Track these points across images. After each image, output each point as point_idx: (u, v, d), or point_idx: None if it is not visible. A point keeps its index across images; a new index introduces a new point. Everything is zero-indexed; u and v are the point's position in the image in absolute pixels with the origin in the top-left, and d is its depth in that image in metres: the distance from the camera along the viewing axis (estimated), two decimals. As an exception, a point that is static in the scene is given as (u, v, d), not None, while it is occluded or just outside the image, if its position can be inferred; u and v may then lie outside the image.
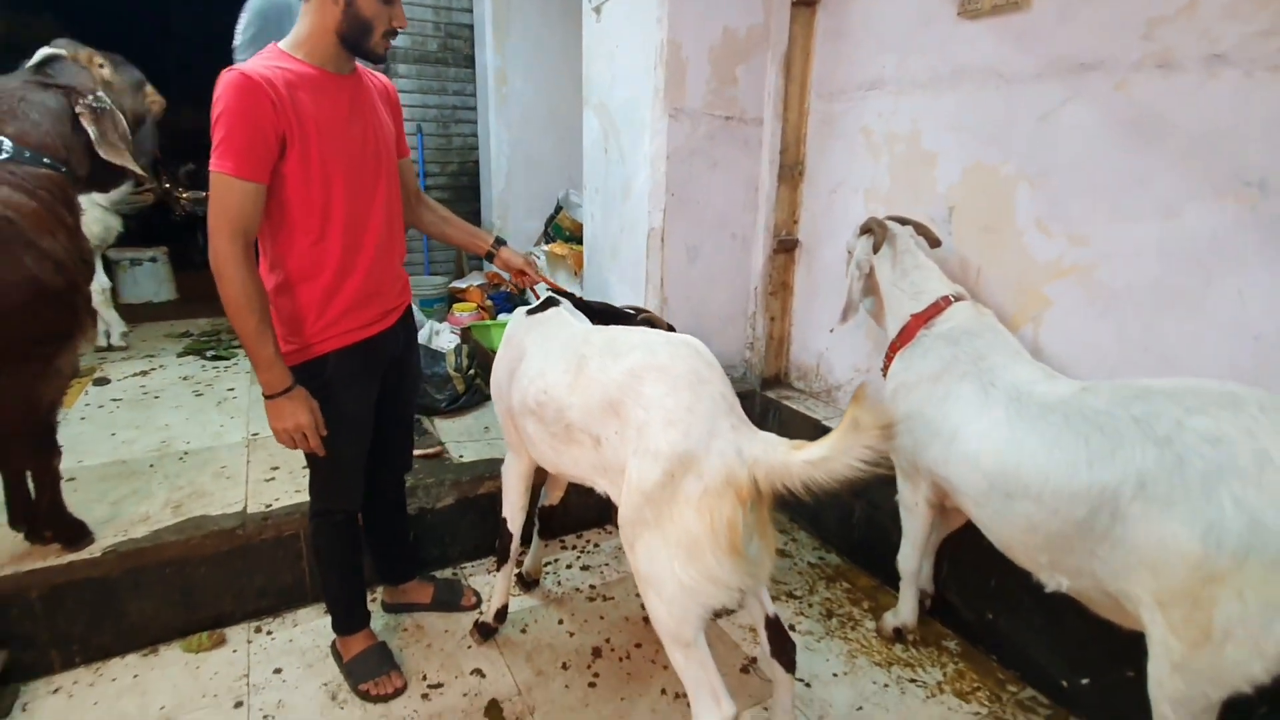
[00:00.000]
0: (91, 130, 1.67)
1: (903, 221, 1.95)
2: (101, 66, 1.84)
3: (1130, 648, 1.25)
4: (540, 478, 1.99)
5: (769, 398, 2.69)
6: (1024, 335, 1.83)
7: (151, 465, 2.24)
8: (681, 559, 1.18)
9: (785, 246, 2.64)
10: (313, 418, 1.43)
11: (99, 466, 2.23)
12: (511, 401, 1.60)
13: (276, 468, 2.24)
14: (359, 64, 1.49)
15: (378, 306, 1.57)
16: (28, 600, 1.69)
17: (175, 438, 2.47)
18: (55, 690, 1.70)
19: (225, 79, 1.28)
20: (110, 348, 3.39)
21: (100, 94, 1.72)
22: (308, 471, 1.65)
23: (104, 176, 1.75)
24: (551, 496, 2.06)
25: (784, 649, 1.46)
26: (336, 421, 1.52)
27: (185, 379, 3.10)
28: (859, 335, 2.42)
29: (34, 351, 1.60)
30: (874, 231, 1.90)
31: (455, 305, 3.58)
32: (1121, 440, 1.25)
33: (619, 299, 2.67)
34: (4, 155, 1.54)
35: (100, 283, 3.38)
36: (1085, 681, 1.69)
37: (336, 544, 1.69)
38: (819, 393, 2.64)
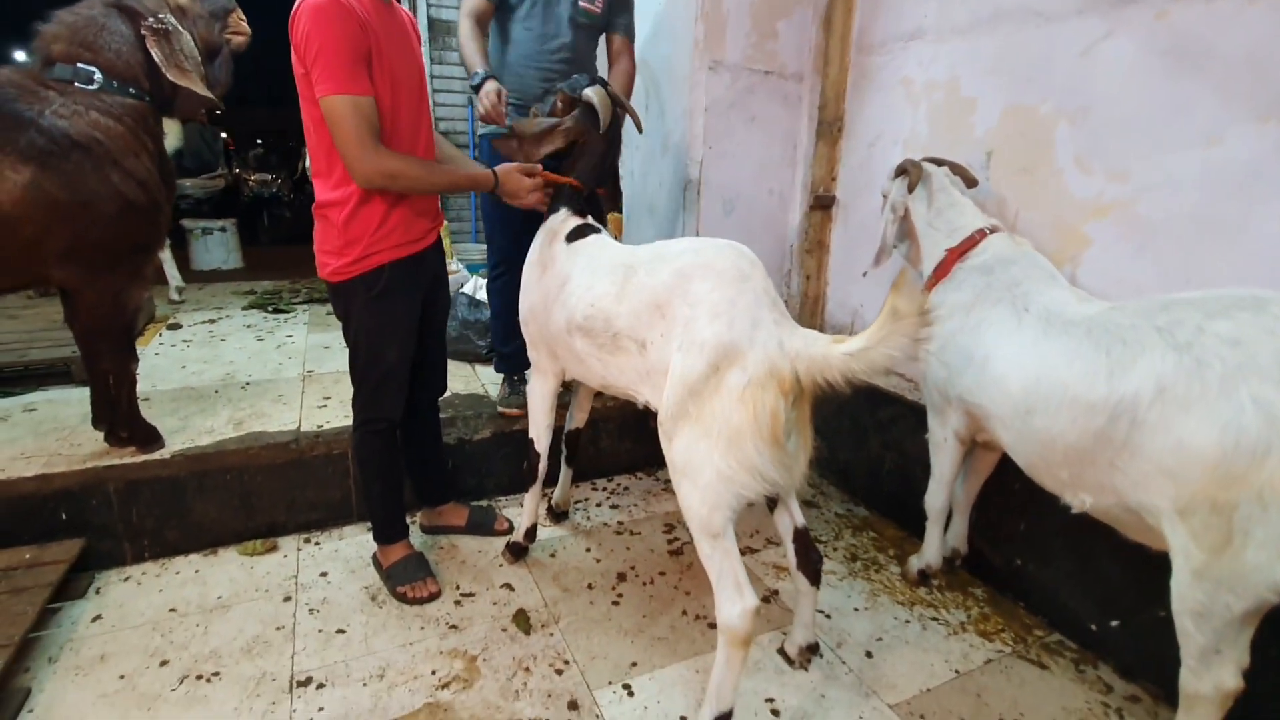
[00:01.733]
0: (155, 53, 1.75)
1: (938, 163, 1.96)
2: None
3: (1162, 588, 1.24)
4: (564, 405, 2.08)
5: (803, 354, 2.70)
6: (1064, 275, 1.81)
7: (217, 391, 2.41)
8: (722, 448, 1.22)
9: (822, 203, 2.65)
10: (522, 169, 1.69)
11: (170, 391, 2.41)
12: (553, 323, 1.66)
13: (329, 398, 2.38)
14: None
15: (425, 223, 1.68)
16: (105, 493, 1.85)
17: (238, 371, 2.64)
18: (126, 579, 1.86)
19: (311, 5, 1.38)
20: (171, 301, 3.64)
21: (163, 15, 1.78)
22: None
23: (188, 102, 1.89)
24: (577, 419, 2.13)
25: (809, 560, 1.49)
26: (391, 327, 1.66)
27: (249, 326, 3.31)
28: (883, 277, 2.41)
29: (124, 258, 1.77)
30: (908, 172, 1.91)
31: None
32: (1143, 349, 1.25)
33: (656, 253, 2.74)
34: (95, 86, 1.71)
35: None
36: (1115, 624, 1.67)
37: (379, 452, 1.79)
38: (853, 349, 2.64)
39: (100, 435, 1.95)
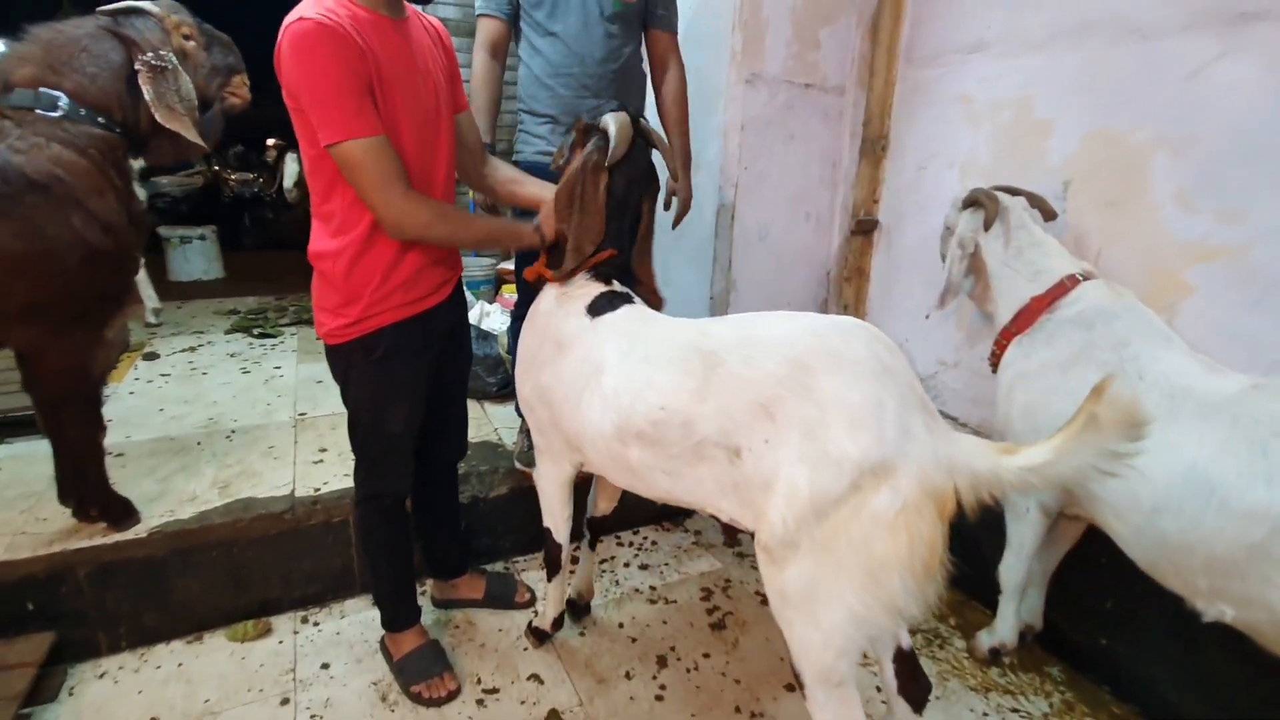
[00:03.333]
0: (147, 90, 1.54)
1: (1013, 192, 1.75)
2: (188, 38, 1.64)
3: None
4: (584, 480, 1.75)
5: (841, 390, 2.50)
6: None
7: (199, 443, 2.16)
8: (859, 582, 1.00)
9: (864, 228, 2.44)
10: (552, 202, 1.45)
11: (148, 442, 2.16)
12: (587, 424, 1.31)
13: (324, 450, 2.14)
14: (408, 3, 1.35)
15: (436, 276, 1.44)
16: (76, 579, 1.62)
17: (223, 415, 2.40)
18: (101, 675, 1.62)
19: (302, 30, 1.13)
20: (147, 325, 3.37)
21: (165, 53, 1.57)
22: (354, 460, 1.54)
23: (168, 146, 1.65)
24: (601, 506, 1.79)
25: (915, 686, 1.28)
26: (394, 394, 1.44)
27: (233, 356, 3.05)
28: (947, 324, 2.21)
29: (89, 315, 1.52)
30: (983, 206, 1.70)
31: (504, 286, 3.46)
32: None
33: (682, 281, 2.51)
34: (59, 113, 1.45)
35: None
36: (1224, 724, 1.48)
37: (385, 531, 1.57)
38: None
39: (68, 511, 1.71)
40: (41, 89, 1.45)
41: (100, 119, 1.50)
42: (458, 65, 1.49)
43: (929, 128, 2.23)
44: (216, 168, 8.54)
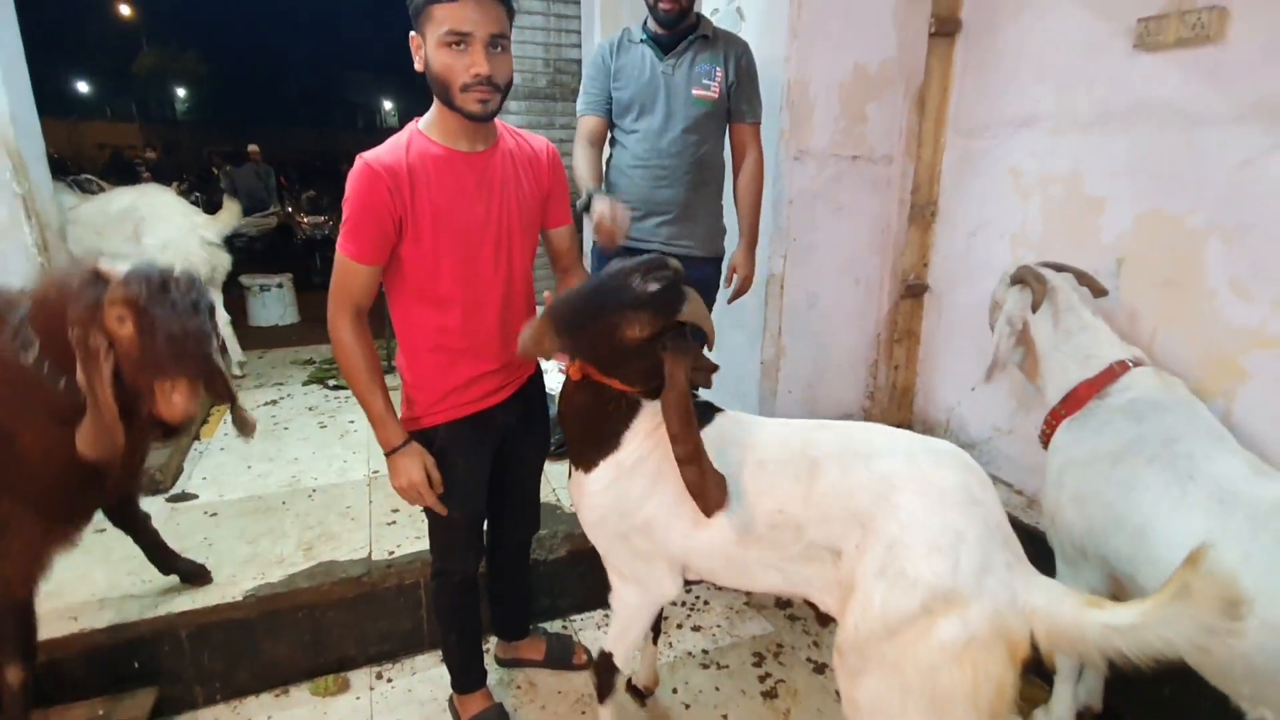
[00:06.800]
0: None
1: (1059, 268, 1.76)
2: (122, 321, 1.21)
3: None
4: None
5: (892, 451, 2.52)
6: (1212, 411, 1.60)
7: (284, 503, 2.34)
8: (923, 710, 1.02)
9: (913, 291, 2.47)
10: (425, 475, 1.43)
11: (237, 501, 2.35)
12: (704, 538, 1.29)
13: (397, 510, 2.29)
14: (505, 132, 1.46)
15: (490, 384, 1.52)
16: (178, 639, 1.78)
17: (304, 473, 2.58)
18: (198, 726, 1.78)
19: (355, 166, 1.31)
20: (233, 377, 3.62)
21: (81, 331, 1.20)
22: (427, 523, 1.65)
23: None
24: (643, 680, 1.85)
25: None
26: (450, 487, 1.51)
27: (310, 409, 3.26)
28: (1000, 390, 2.22)
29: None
30: (1030, 286, 1.72)
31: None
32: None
33: (734, 346, 2.58)
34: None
35: (220, 316, 3.62)
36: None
37: (455, 605, 1.68)
38: (949, 449, 2.44)
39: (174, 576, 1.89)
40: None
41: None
42: (560, 186, 1.55)
43: (979, 197, 2.26)
44: (290, 210, 9.08)
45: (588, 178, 1.97)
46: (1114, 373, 1.59)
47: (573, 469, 1.43)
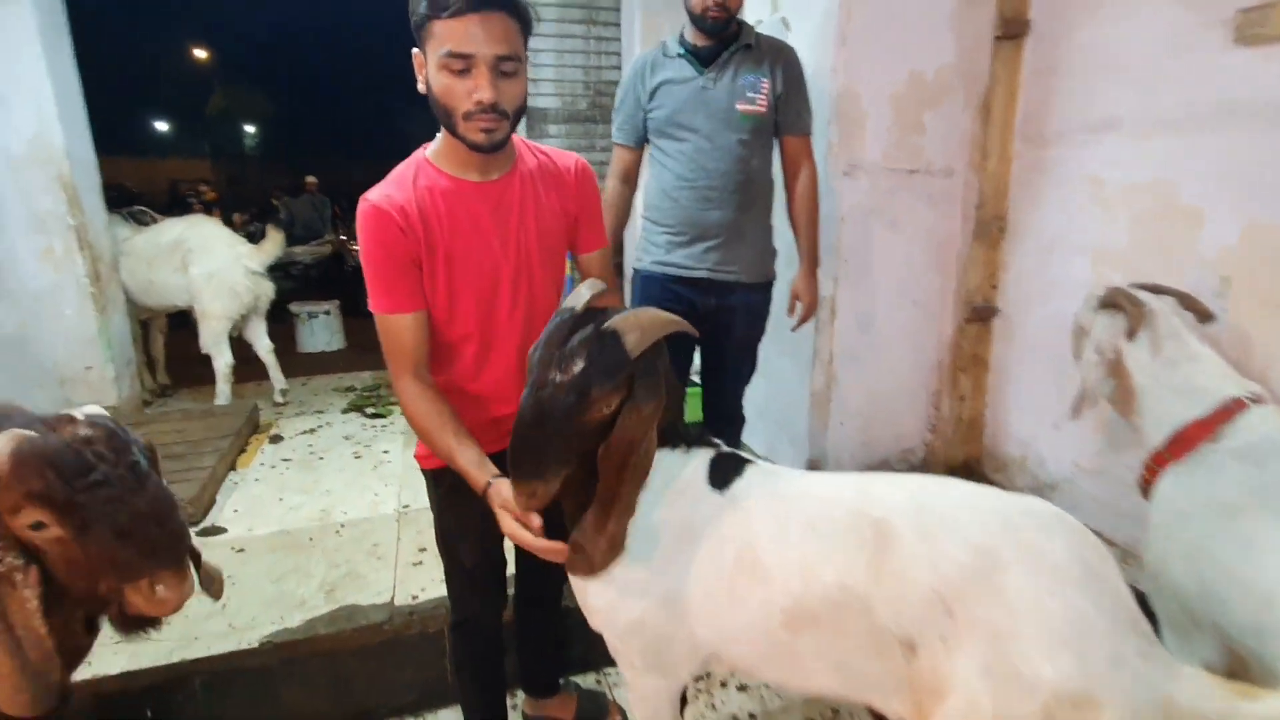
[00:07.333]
0: None
1: (1156, 290, 1.54)
2: (43, 527, 0.88)
3: None
4: None
5: (958, 490, 2.30)
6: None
7: (311, 538, 2.27)
8: None
9: (980, 315, 2.26)
10: (510, 524, 1.13)
11: (267, 537, 2.29)
12: (741, 620, 1.07)
13: (424, 549, 2.18)
14: (526, 151, 1.33)
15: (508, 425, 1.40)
16: (192, 687, 1.70)
17: (335, 506, 2.51)
18: (212, 780, 1.69)
19: (360, 212, 1.19)
20: (275, 404, 3.67)
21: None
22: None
23: None
24: None
25: None
26: (463, 529, 1.41)
27: (347, 438, 3.22)
28: (1085, 424, 1.98)
29: None
30: (1125, 311, 1.51)
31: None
32: None
33: (781, 374, 2.41)
34: None
35: (263, 344, 3.67)
36: None
37: (476, 660, 1.55)
38: (1025, 490, 2.20)
39: (189, 610, 1.81)
40: None
41: None
42: (590, 206, 1.40)
43: (1054, 210, 2.06)
44: (343, 237, 9.35)
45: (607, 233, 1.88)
46: (1229, 411, 1.36)
47: (574, 544, 1.14)
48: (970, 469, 2.38)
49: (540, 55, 3.89)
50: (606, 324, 0.98)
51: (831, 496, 1.05)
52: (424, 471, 1.41)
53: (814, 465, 2.34)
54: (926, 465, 2.41)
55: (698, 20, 1.82)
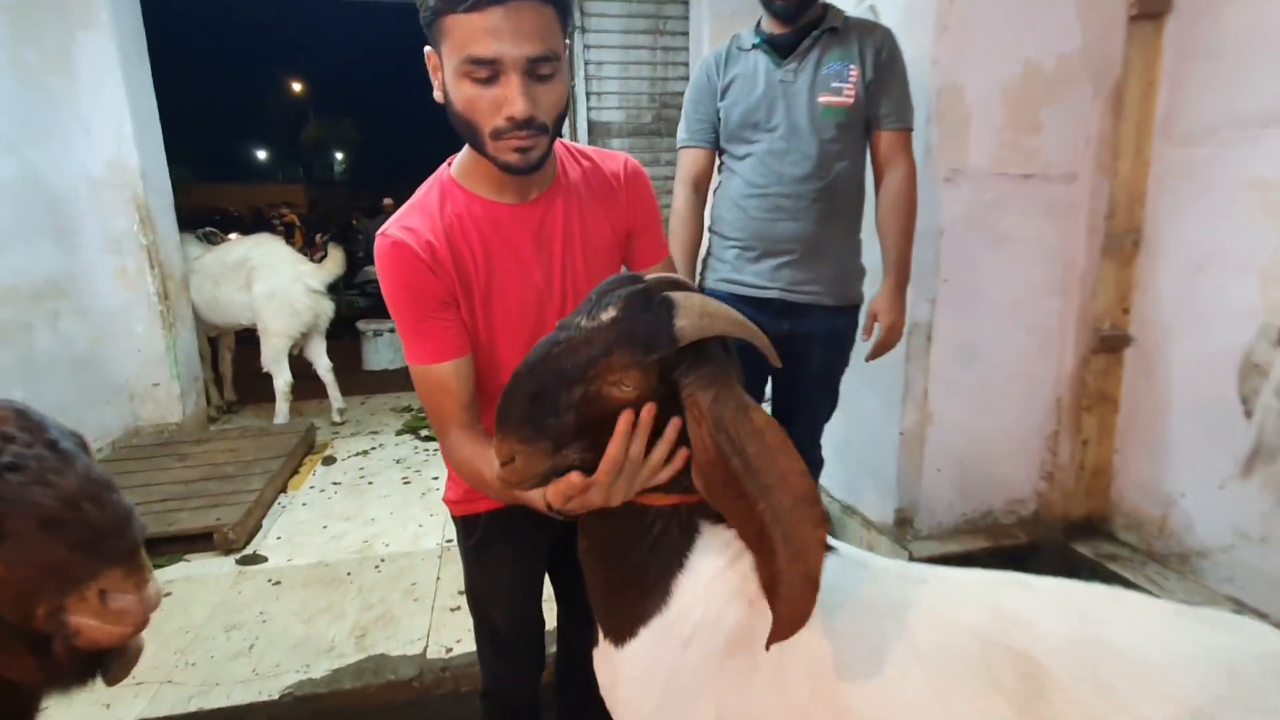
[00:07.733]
0: None
1: None
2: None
3: None
4: None
5: (1079, 553, 1.93)
6: None
7: (349, 573, 2.14)
8: None
9: (1109, 344, 1.91)
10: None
11: (305, 568, 2.18)
12: None
13: (464, 593, 2.00)
14: (568, 158, 1.12)
15: None
16: (208, 740, 1.57)
17: (377, 537, 2.39)
18: (225, 844, 1.54)
19: (379, 249, 1.00)
20: (332, 424, 3.64)
21: None
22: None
23: None
24: None
25: None
26: (493, 587, 1.24)
27: (398, 461, 3.12)
28: (1250, 482, 1.61)
29: None
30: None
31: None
32: None
33: (865, 411, 2.12)
34: None
35: (323, 363, 3.64)
36: None
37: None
38: (1166, 556, 1.82)
39: (217, 651, 1.70)
40: None
41: None
42: (645, 212, 1.19)
43: (1205, 220, 1.71)
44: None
45: (682, 260, 1.66)
46: None
47: (599, 637, 0.94)
48: (1094, 526, 2.01)
49: (605, 68, 3.77)
50: (664, 292, 0.76)
51: (948, 611, 0.76)
52: (454, 519, 1.24)
53: (903, 516, 2.03)
54: (1039, 520, 2.05)
55: (770, 4, 1.59)
